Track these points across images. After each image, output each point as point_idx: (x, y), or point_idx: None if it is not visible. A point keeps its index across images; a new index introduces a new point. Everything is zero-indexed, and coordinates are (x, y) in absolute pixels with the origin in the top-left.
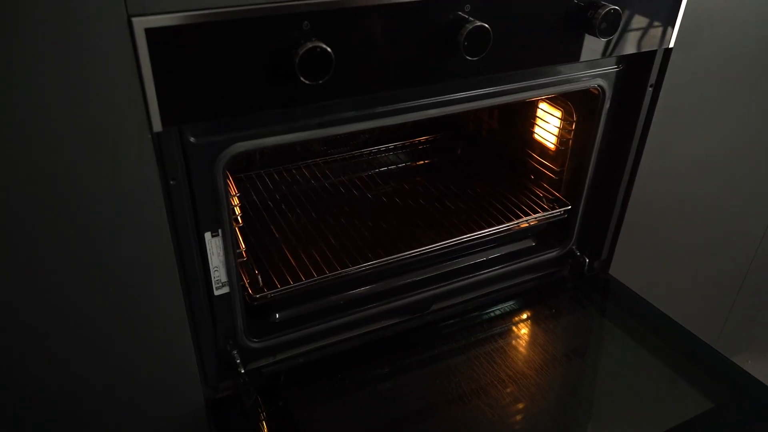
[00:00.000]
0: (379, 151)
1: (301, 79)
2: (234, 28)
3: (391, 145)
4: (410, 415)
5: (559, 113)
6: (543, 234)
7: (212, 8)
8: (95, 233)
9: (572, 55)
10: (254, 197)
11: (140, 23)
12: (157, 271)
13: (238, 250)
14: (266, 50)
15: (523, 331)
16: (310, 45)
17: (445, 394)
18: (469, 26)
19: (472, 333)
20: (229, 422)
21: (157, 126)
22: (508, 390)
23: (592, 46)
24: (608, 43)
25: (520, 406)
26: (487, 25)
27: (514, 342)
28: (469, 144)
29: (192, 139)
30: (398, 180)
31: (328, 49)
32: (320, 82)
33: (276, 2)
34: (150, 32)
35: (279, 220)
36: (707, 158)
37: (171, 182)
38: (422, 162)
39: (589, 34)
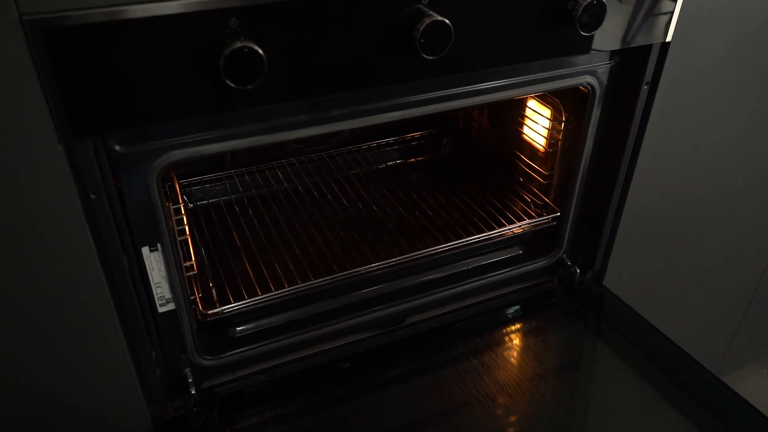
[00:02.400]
0: (360, 150)
1: (228, 83)
2: (149, 26)
3: (373, 143)
4: None
5: (548, 112)
6: (531, 242)
7: (121, 5)
8: (12, 251)
9: (551, 52)
10: (221, 201)
11: (35, 24)
12: (83, 289)
13: (187, 263)
14: (188, 51)
15: (505, 347)
16: (237, 45)
17: (412, 415)
18: (427, 21)
19: (449, 348)
20: None
21: (68, 137)
22: (474, 414)
23: (575, 41)
24: (593, 37)
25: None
26: (447, 20)
27: (492, 360)
28: (457, 142)
29: (118, 148)
30: (377, 181)
31: (259, 50)
32: (249, 87)
33: None
34: (48, 33)
35: (245, 227)
36: (710, 161)
37: (92, 196)
38: (406, 161)
39: (569, 27)
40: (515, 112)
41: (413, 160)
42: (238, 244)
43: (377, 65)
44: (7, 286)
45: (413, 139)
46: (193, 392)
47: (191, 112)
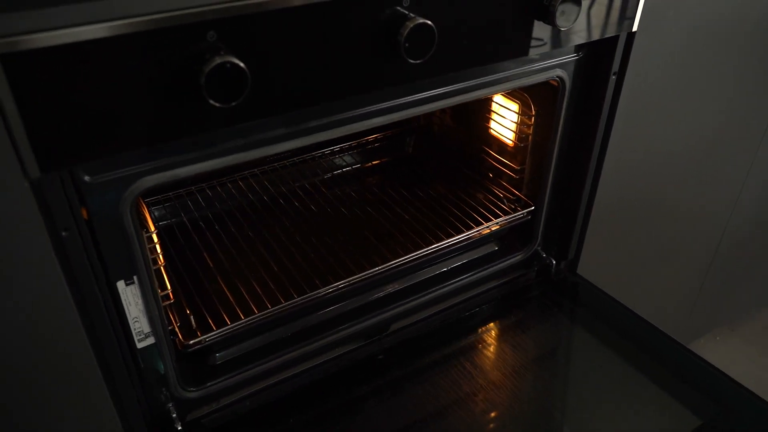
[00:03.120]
0: (323, 155)
1: (211, 102)
2: (119, 45)
3: (336, 147)
4: None
5: (516, 107)
6: (506, 237)
7: (87, 24)
8: None
9: (529, 47)
10: (185, 219)
11: None
12: (57, 331)
13: (163, 292)
14: (163, 70)
15: (491, 344)
16: (218, 60)
17: (410, 420)
18: (410, 24)
19: (436, 351)
20: None
21: (35, 172)
22: (470, 414)
23: (550, 36)
24: (567, 31)
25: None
26: (430, 22)
27: (480, 358)
28: (421, 141)
29: (87, 179)
30: (344, 186)
31: (241, 64)
32: (234, 104)
33: (171, 10)
34: (7, 58)
35: (214, 245)
36: (675, 149)
37: (63, 233)
38: (370, 164)
39: (547, 23)
40: (481, 107)
41: (378, 161)
42: (210, 264)
43: (362, 72)
44: None
45: (376, 140)
46: (179, 428)
47: (173, 135)
